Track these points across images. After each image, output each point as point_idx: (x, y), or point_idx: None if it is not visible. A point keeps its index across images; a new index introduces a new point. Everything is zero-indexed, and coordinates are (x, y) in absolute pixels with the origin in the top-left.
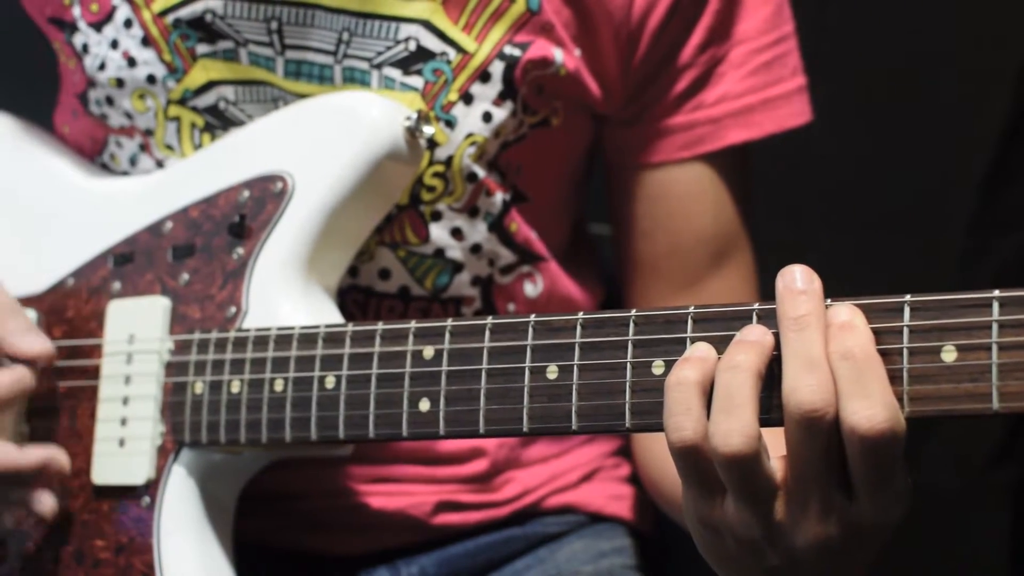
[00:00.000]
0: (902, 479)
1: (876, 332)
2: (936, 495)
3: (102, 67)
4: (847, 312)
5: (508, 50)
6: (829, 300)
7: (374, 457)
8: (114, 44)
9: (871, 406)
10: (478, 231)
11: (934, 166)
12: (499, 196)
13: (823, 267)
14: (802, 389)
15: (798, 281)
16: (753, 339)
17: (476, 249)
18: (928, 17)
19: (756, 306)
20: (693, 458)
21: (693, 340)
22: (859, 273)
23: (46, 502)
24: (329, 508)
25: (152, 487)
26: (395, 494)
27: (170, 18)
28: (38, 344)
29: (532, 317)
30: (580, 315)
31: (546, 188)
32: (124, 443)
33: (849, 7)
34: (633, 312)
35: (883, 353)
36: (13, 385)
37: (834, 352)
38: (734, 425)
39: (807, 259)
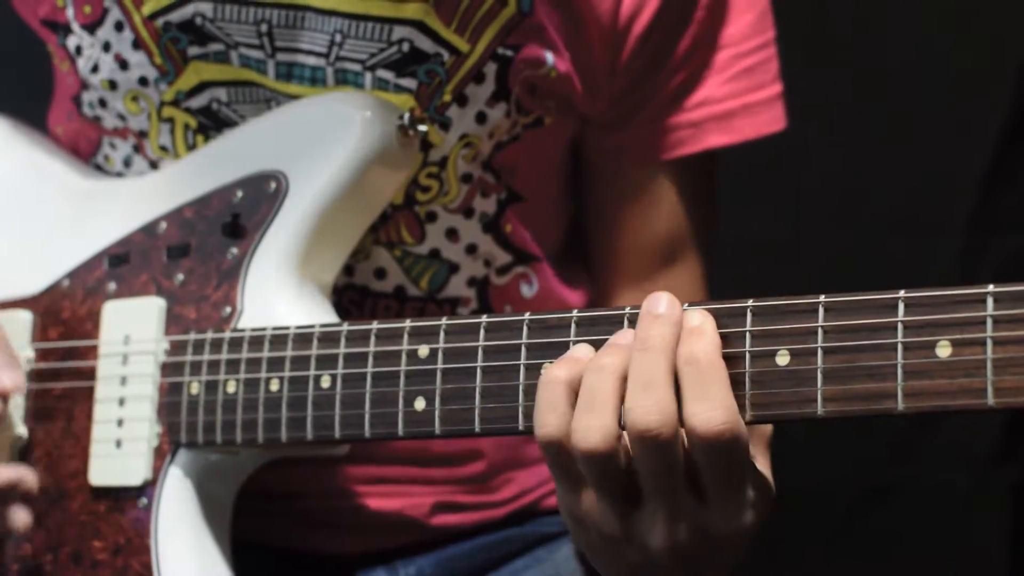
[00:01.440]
0: (754, 486)
1: (870, 328)
2: (937, 495)
3: (95, 69)
4: (698, 317)
5: (501, 51)
6: (686, 304)
7: (372, 457)
8: (106, 47)
9: (710, 408)
10: (473, 232)
11: (934, 166)
12: (494, 197)
13: (822, 267)
14: (637, 409)
15: (660, 306)
16: (622, 343)
17: (472, 250)
18: (927, 17)
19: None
20: (557, 453)
21: None
22: (858, 273)
23: (20, 517)
24: (327, 508)
25: (149, 488)
26: (393, 495)
27: (160, 21)
28: (8, 380)
29: (527, 315)
30: (574, 313)
31: (541, 188)
32: (121, 444)
33: (848, 6)
34: (627, 309)
35: (876, 349)
36: None
37: (680, 356)
38: (594, 422)
39: (806, 259)
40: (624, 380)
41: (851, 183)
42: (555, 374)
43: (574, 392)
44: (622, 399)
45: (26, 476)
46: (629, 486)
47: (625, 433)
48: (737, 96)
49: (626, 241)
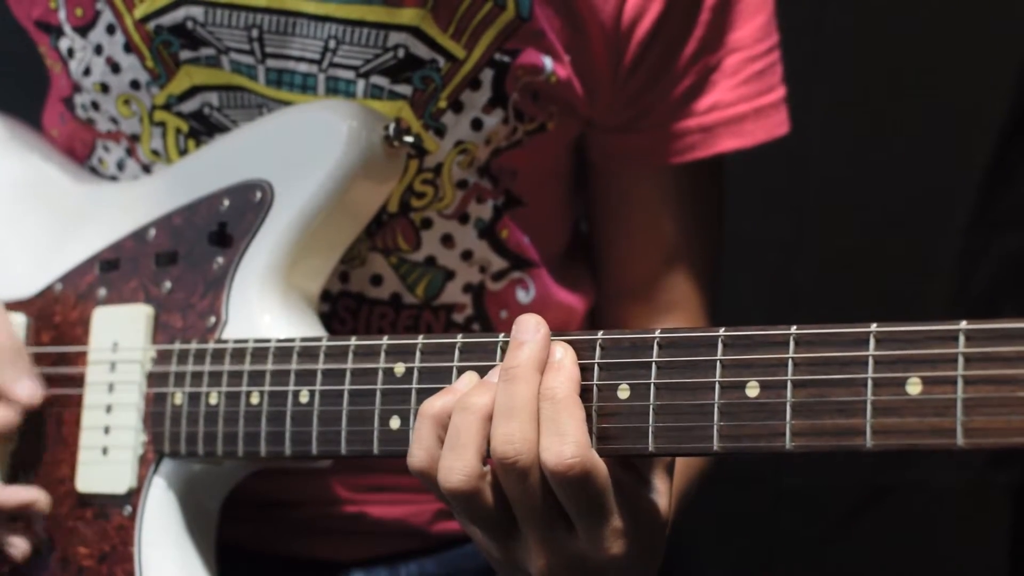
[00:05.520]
0: (626, 516)
1: (840, 362)
2: (936, 496)
3: (87, 72)
4: (559, 352)
5: (498, 57)
6: (552, 335)
7: (374, 466)
8: (98, 49)
9: (561, 444)
10: (468, 238)
11: (933, 166)
12: (490, 202)
13: (822, 267)
14: (498, 437)
15: (523, 332)
16: (494, 381)
17: (467, 256)
18: (928, 17)
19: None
20: (427, 483)
21: (659, 365)
22: (859, 273)
23: (19, 547)
24: (327, 516)
25: (134, 496)
26: (395, 503)
27: (152, 25)
28: (28, 391)
29: (500, 337)
30: None
31: (542, 191)
32: (107, 451)
33: (848, 6)
34: (600, 335)
35: (846, 384)
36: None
37: (541, 391)
38: (456, 463)
39: (806, 259)
40: (490, 419)
41: (851, 183)
42: (426, 407)
43: (442, 426)
44: (487, 439)
45: (40, 499)
46: (502, 518)
47: (490, 470)
48: (748, 100)
49: (631, 245)
